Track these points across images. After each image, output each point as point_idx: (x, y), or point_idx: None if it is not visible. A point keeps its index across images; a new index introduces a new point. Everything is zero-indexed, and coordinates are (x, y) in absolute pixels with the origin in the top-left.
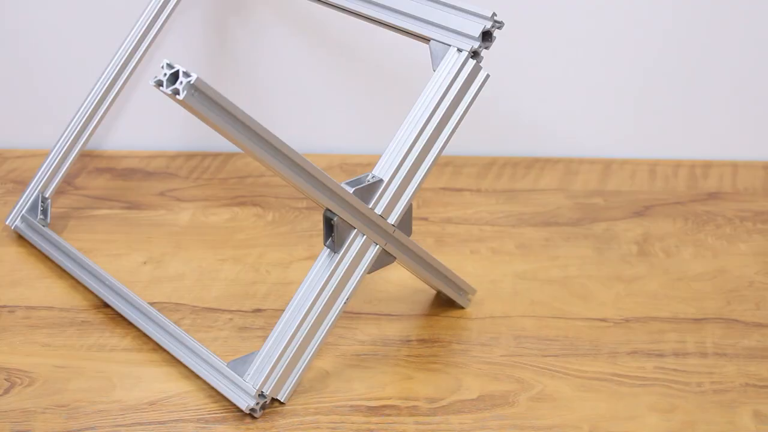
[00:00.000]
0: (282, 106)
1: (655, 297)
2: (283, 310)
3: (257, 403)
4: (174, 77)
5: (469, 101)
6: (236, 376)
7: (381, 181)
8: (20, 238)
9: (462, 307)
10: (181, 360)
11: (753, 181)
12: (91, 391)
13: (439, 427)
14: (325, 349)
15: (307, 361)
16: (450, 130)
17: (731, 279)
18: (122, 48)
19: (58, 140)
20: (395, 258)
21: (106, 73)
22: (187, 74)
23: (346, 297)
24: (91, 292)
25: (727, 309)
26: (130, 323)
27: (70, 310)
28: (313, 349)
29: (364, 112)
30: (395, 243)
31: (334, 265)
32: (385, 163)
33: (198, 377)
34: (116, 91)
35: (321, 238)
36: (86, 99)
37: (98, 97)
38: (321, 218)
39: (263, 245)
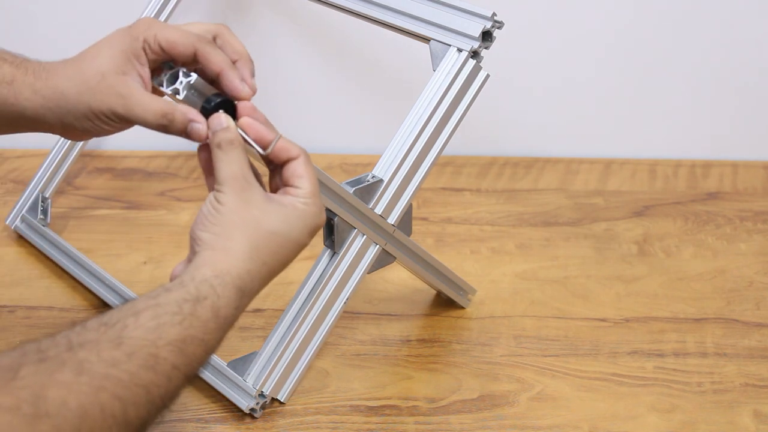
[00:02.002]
0: (282, 106)
1: (655, 297)
2: (283, 310)
3: (257, 403)
4: (174, 77)
5: (469, 101)
6: (236, 376)
7: (381, 181)
8: (20, 238)
9: (462, 307)
10: None
11: (753, 181)
12: None
13: (439, 427)
14: (325, 349)
15: (307, 361)
16: (450, 130)
17: (731, 279)
18: None
19: (58, 140)
20: (395, 258)
21: None
22: (187, 74)
23: (346, 297)
24: (91, 292)
25: (727, 309)
26: None
27: (70, 310)
28: (313, 349)
29: (364, 112)
30: (395, 243)
31: (334, 265)
32: (385, 163)
33: (198, 377)
34: None
35: (321, 238)
36: None
37: None
38: None
39: None
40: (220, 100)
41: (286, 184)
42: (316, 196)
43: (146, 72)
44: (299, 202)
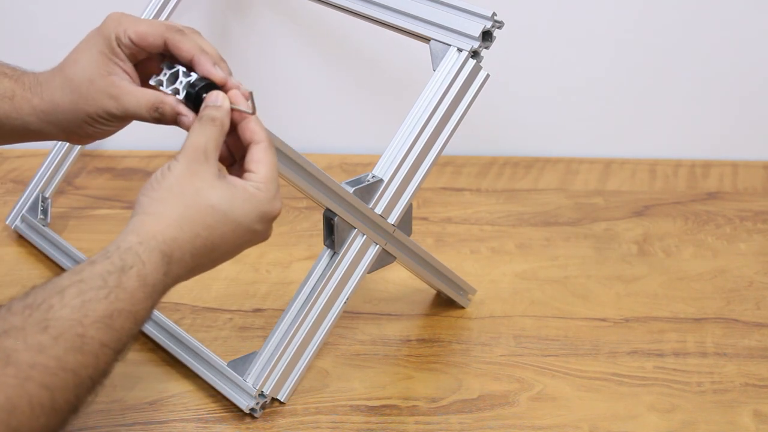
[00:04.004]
0: (282, 106)
1: (655, 297)
2: (283, 310)
3: (257, 403)
4: (174, 77)
5: (469, 101)
6: (236, 375)
7: (381, 180)
8: (20, 238)
9: (462, 307)
10: (181, 360)
11: (753, 181)
12: None
13: (439, 426)
14: (325, 349)
15: (307, 361)
16: (450, 130)
17: (731, 279)
18: None
19: None
20: (395, 258)
21: None
22: (186, 74)
23: (346, 297)
24: None
25: (727, 309)
26: None
27: None
28: (313, 349)
29: (364, 112)
30: (395, 243)
31: (334, 265)
32: (385, 163)
33: (198, 377)
34: None
35: (321, 238)
36: None
37: None
38: (321, 218)
39: (263, 245)
40: (204, 83)
41: (245, 170)
42: (270, 183)
43: (129, 66)
44: (250, 185)
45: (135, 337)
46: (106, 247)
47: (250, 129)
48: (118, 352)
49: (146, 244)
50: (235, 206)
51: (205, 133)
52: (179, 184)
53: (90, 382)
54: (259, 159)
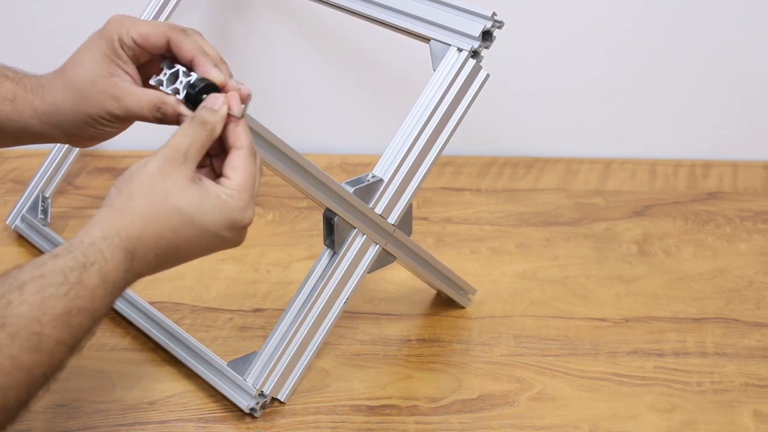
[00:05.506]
0: (282, 106)
1: (655, 297)
2: (283, 310)
3: (257, 403)
4: (174, 77)
5: (469, 101)
6: (236, 375)
7: (381, 180)
8: (20, 238)
9: (462, 307)
10: (181, 360)
11: (753, 181)
12: (91, 391)
13: (439, 426)
14: (325, 349)
15: (307, 361)
16: (450, 130)
17: (731, 279)
18: None
19: None
20: (395, 258)
21: None
22: (187, 73)
23: (346, 297)
24: None
25: (727, 309)
26: (130, 323)
27: None
28: (313, 349)
29: (364, 112)
30: (395, 243)
31: (334, 264)
32: (385, 163)
33: (198, 377)
34: None
35: (321, 238)
36: None
37: None
38: (321, 218)
39: (263, 245)
40: (204, 84)
41: (222, 174)
42: (244, 192)
43: (131, 68)
44: (223, 192)
45: (92, 333)
46: (70, 239)
47: (235, 133)
48: (73, 349)
49: (110, 240)
50: (204, 212)
51: (191, 135)
52: (150, 182)
53: (43, 379)
54: (236, 165)
